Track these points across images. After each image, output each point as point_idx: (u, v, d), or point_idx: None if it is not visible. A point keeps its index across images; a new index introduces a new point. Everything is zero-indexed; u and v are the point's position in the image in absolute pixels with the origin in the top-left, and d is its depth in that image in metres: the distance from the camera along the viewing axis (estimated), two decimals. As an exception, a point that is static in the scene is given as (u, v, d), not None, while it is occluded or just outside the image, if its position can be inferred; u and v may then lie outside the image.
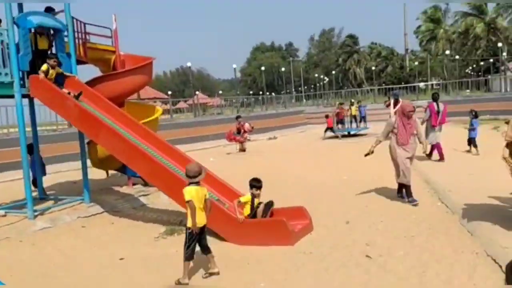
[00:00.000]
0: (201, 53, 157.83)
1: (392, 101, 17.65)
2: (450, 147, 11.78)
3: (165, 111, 32.47)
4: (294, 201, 6.91)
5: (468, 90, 34.61)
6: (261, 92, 63.15)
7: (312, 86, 71.66)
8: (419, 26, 61.46)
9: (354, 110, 21.81)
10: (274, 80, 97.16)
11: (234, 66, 37.34)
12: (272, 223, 5.69)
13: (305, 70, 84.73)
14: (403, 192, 7.21)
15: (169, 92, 33.08)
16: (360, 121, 21.34)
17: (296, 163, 12.55)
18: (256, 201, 5.85)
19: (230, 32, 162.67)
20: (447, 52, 44.27)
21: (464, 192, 7.05)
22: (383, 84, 45.49)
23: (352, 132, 19.62)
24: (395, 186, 7.51)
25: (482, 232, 5.10)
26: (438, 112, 10.80)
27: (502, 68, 41.69)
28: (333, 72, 69.90)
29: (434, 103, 11.09)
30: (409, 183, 7.05)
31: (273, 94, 48.51)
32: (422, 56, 65.27)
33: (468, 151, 11.70)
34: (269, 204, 5.91)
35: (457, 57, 45.42)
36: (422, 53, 67.14)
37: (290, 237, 5.48)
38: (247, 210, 5.83)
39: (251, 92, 74.23)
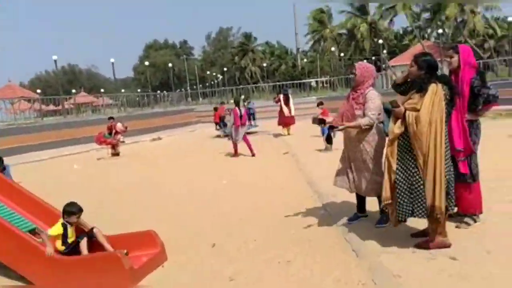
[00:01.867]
0: (93, 52, 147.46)
1: (281, 96, 17.25)
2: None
3: (36, 112, 28.81)
4: (155, 218, 5.44)
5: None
6: (149, 90, 60.36)
7: (207, 84, 70.38)
8: (308, 27, 63.63)
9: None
10: (168, 79, 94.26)
11: (112, 60, 33.41)
12: (99, 259, 4.11)
13: (201, 69, 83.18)
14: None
15: (38, 91, 28.78)
16: (249, 120, 20.29)
17: (172, 168, 11.02)
18: (71, 231, 4.33)
19: (123, 30, 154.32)
20: (333, 48, 46.01)
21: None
22: (277, 82, 45.88)
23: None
24: (285, 190, 6.39)
25: (369, 252, 4.10)
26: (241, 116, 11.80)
27: (384, 66, 44.42)
28: (225, 69, 69.56)
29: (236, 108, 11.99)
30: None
31: (164, 92, 46.15)
32: (313, 55, 67.91)
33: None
34: (90, 233, 4.38)
35: (342, 54, 47.45)
36: (312, 53, 69.88)
37: (127, 277, 3.98)
38: (59, 245, 4.26)
39: (140, 90, 70.57)
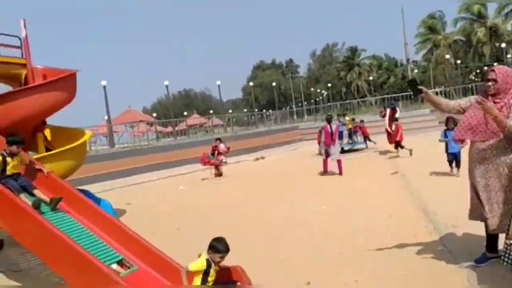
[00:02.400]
0: (203, 75, 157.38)
1: (388, 110, 16.03)
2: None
3: (156, 133, 31.09)
4: (244, 247, 5.04)
5: (474, 97, 32.70)
6: (256, 110, 61.86)
7: (312, 101, 70.00)
8: (418, 35, 59.83)
9: (348, 123, 19.80)
10: (274, 97, 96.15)
11: (218, 83, 34.56)
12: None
13: (306, 86, 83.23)
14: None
15: (154, 114, 31.08)
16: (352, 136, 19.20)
17: (272, 189, 10.62)
18: (213, 270, 3.70)
19: (231, 52, 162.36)
20: (448, 56, 42.28)
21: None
22: (386, 95, 43.61)
23: (346, 148, 17.66)
24: (394, 218, 5.60)
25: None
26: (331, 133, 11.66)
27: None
28: (329, 85, 68.56)
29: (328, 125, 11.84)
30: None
31: (270, 111, 46.83)
32: (424, 65, 63.68)
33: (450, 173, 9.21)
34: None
35: (458, 61, 43.45)
36: (423, 62, 65.58)
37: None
38: (197, 281, 3.71)
39: (247, 110, 72.75)
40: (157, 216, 8.55)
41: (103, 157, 16.45)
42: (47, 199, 4.81)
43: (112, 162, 16.21)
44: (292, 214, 7.54)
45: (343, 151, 17.42)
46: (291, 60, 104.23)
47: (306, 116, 42.66)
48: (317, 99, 71.49)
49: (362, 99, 46.88)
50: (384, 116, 15.82)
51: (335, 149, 11.74)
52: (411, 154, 13.28)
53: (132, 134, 27.50)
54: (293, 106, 68.11)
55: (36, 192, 4.86)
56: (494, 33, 46.60)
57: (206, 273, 3.65)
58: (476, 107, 3.78)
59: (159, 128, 39.44)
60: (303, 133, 26.59)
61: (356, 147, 18.04)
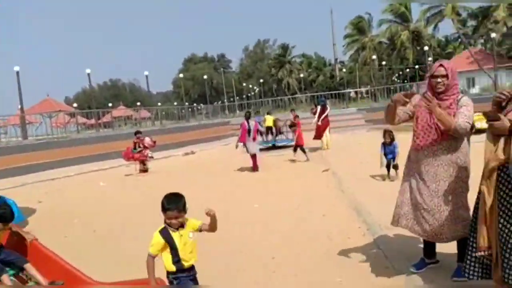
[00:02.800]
0: (132, 66, 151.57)
1: (319, 108, 16.16)
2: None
3: (79, 125, 28.99)
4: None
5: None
6: (187, 104, 60.54)
7: (244, 96, 70.03)
8: (346, 36, 62.00)
9: (270, 120, 19.60)
10: (206, 92, 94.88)
11: (146, 73, 32.81)
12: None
13: (238, 81, 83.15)
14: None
15: (74, 105, 28.68)
16: (281, 133, 19.13)
17: (200, 186, 10.07)
18: (178, 239, 2.96)
19: (163, 44, 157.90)
20: (374, 57, 44.15)
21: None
22: (315, 93, 44.53)
23: (276, 144, 17.55)
24: (327, 218, 5.29)
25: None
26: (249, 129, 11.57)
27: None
28: (261, 80, 69.05)
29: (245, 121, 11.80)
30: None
31: (201, 105, 45.89)
32: (351, 66, 66.20)
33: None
34: None
35: (383, 63, 45.60)
36: (350, 63, 68.18)
37: None
38: (167, 261, 2.98)
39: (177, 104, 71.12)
40: (71, 216, 7.67)
41: (13, 150, 14.89)
42: (42, 280, 3.61)
43: (24, 155, 14.70)
44: (223, 213, 7.07)
45: (274, 146, 17.37)
46: (223, 55, 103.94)
47: (238, 111, 42.31)
48: (249, 94, 71.66)
49: (293, 96, 47.65)
50: (315, 113, 15.91)
51: (252, 146, 11.59)
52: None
53: (50, 125, 25.33)
54: (225, 100, 67.73)
55: (27, 267, 3.65)
56: (416, 36, 49.41)
57: (172, 247, 2.94)
58: (424, 109, 3.53)
59: (82, 120, 37.03)
60: (235, 129, 26.19)
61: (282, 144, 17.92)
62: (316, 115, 15.54)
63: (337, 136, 19.96)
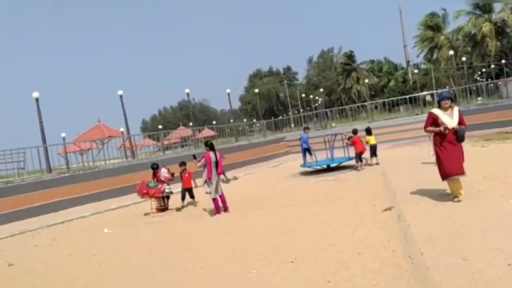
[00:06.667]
0: (200, 85, 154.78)
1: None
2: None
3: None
4: None
5: (480, 98, 29.52)
6: (255, 120, 58.75)
7: (307, 108, 67.02)
8: (419, 36, 56.60)
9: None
10: (273, 106, 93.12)
11: (228, 90, 31.19)
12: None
13: (305, 93, 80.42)
14: None
15: (121, 129, 27.65)
16: (311, 154, 15.75)
17: (225, 232, 7.51)
18: None
19: (227, 61, 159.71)
20: (451, 52, 38.72)
21: None
22: (386, 99, 40.20)
23: (332, 165, 14.43)
24: None
25: None
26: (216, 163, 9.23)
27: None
28: (321, 90, 65.67)
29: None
30: None
31: (262, 121, 43.41)
32: (426, 68, 60.58)
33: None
34: None
35: (463, 59, 40.10)
36: (425, 65, 62.48)
37: None
38: None
39: (247, 120, 69.83)
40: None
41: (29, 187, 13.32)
42: None
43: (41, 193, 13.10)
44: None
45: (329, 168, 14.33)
46: (288, 68, 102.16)
47: (293, 125, 38.74)
48: (316, 105, 68.55)
49: (362, 104, 43.58)
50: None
51: (214, 184, 9.22)
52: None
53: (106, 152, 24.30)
54: (289, 113, 64.94)
55: None
56: (500, 28, 43.37)
57: None
58: None
59: (150, 142, 36.39)
60: (290, 145, 23.45)
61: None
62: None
63: (409, 150, 16.49)
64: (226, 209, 9.42)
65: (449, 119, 6.75)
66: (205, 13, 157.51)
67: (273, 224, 7.56)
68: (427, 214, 6.25)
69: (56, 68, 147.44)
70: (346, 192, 9.79)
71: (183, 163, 11.07)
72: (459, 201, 6.56)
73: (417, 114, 25.96)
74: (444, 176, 6.81)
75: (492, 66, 46.98)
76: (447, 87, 46.07)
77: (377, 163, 13.42)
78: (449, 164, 6.71)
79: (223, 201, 9.46)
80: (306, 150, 15.52)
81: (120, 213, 11.68)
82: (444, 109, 6.85)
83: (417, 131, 20.87)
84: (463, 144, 6.90)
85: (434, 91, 43.40)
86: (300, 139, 15.91)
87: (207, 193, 9.36)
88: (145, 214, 10.73)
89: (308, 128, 17.09)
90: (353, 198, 8.86)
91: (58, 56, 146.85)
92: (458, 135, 6.69)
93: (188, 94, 27.91)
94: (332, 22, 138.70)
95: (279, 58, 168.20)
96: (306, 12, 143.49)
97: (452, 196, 6.74)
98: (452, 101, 7.00)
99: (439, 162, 6.88)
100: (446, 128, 6.70)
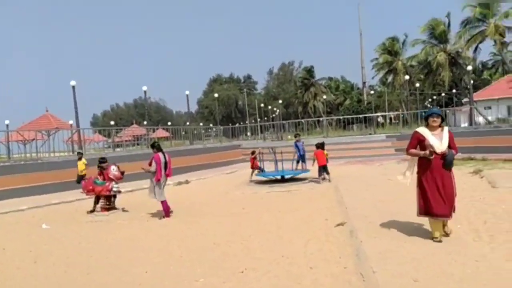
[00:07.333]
0: (156, 85, 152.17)
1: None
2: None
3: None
4: None
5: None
6: (211, 125, 58.36)
7: (265, 118, 67.51)
8: (377, 59, 58.62)
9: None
10: (231, 112, 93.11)
11: (187, 92, 30.59)
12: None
13: (264, 103, 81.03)
14: None
15: (70, 121, 26.38)
16: (298, 162, 15.94)
17: (170, 233, 7.21)
18: None
19: (187, 63, 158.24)
20: (407, 77, 40.44)
21: None
22: (341, 117, 41.12)
23: (286, 176, 14.45)
24: None
25: None
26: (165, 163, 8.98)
27: (464, 100, 38.42)
28: (280, 101, 66.56)
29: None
30: None
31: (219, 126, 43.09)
32: (380, 90, 62.84)
33: None
34: None
35: (417, 85, 41.86)
36: (380, 87, 64.84)
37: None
38: None
39: (203, 124, 69.24)
40: None
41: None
42: None
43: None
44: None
45: (282, 179, 14.32)
46: (249, 76, 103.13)
47: (260, 134, 38.85)
48: (273, 116, 69.17)
49: (317, 119, 44.30)
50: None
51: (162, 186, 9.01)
52: None
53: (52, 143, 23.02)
54: (246, 121, 65.04)
55: None
56: (453, 59, 45.69)
57: None
58: None
59: (100, 138, 35.03)
60: (246, 153, 23.31)
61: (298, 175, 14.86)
62: None
63: (361, 168, 16.83)
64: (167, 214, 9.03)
65: (438, 141, 5.60)
66: (170, 12, 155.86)
67: (225, 232, 7.36)
68: (379, 232, 6.31)
69: (7, 52, 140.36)
70: (299, 204, 9.75)
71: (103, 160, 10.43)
72: (440, 241, 5.51)
73: (370, 134, 26.66)
74: (426, 214, 5.69)
75: (443, 94, 49.37)
76: (400, 110, 47.83)
77: (329, 180, 13.35)
78: (436, 202, 5.53)
79: (164, 207, 9.07)
80: (301, 157, 15.53)
81: (61, 209, 11.02)
82: (432, 128, 5.71)
83: (370, 150, 21.57)
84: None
85: (387, 113, 45.31)
86: (295, 146, 15.74)
87: (152, 197, 9.01)
88: (89, 212, 10.17)
89: (299, 135, 17.01)
90: (306, 210, 8.82)
91: (14, 41, 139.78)
92: (445, 160, 5.53)
93: (145, 92, 27.20)
94: (295, 37, 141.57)
95: (240, 65, 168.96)
96: (270, 24, 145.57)
97: (431, 235, 5.66)
98: (442, 120, 5.81)
99: (422, 196, 5.68)
100: (433, 152, 5.55)
